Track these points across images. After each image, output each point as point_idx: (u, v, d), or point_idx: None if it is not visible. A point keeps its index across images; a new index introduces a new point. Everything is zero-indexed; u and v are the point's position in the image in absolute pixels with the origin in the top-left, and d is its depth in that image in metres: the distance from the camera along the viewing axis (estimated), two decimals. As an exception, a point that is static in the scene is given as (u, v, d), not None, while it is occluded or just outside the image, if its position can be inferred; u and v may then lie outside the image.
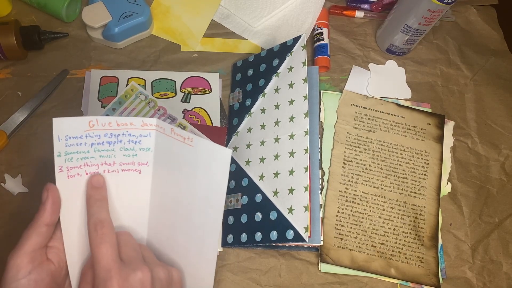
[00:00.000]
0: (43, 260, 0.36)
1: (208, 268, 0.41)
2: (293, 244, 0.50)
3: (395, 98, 0.62)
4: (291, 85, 0.53)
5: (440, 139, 0.60)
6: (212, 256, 0.40)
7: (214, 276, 0.41)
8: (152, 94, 0.58)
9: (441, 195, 0.57)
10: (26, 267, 0.34)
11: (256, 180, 0.52)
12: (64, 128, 0.36)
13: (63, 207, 0.37)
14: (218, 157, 0.37)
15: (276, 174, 0.50)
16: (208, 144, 0.37)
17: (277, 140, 0.52)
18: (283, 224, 0.48)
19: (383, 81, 0.63)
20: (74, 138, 0.36)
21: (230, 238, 0.51)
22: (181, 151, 0.38)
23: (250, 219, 0.50)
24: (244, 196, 0.52)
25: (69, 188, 0.37)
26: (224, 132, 0.57)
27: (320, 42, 0.63)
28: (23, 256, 0.34)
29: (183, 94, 0.58)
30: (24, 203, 0.51)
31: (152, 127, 0.39)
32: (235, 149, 0.55)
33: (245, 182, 0.52)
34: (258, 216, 0.50)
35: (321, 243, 0.50)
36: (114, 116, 0.38)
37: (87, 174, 0.38)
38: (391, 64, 0.65)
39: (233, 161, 0.55)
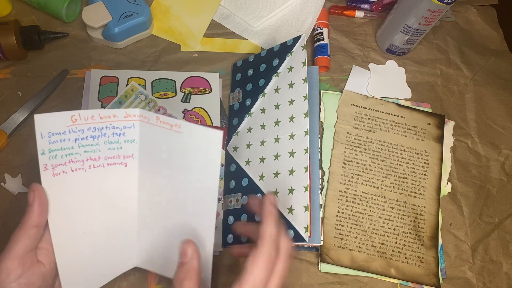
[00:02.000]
0: (33, 262, 0.35)
1: (205, 258, 0.40)
2: (293, 244, 0.50)
3: (395, 98, 0.62)
4: (291, 85, 0.53)
5: (440, 139, 0.60)
6: (210, 240, 0.39)
7: (211, 266, 0.39)
8: (152, 94, 0.58)
9: (441, 195, 0.57)
10: (16, 271, 0.34)
11: (256, 180, 0.52)
12: (46, 124, 0.35)
13: (50, 206, 0.36)
14: (209, 139, 0.36)
15: (276, 174, 0.50)
16: (197, 127, 0.36)
17: (277, 140, 0.52)
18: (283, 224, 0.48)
19: (383, 81, 0.63)
20: (57, 134, 0.36)
21: (230, 238, 0.51)
22: (169, 138, 0.37)
23: (250, 219, 0.50)
24: (244, 196, 0.52)
25: (55, 187, 0.37)
26: (224, 132, 0.57)
27: (320, 42, 0.63)
28: (13, 260, 0.34)
29: (183, 94, 0.58)
30: (24, 203, 0.50)
31: (135, 118, 0.38)
32: (235, 149, 0.55)
33: (245, 182, 0.52)
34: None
35: (321, 243, 0.50)
36: (96, 109, 0.37)
37: (72, 171, 0.37)
38: (391, 64, 0.65)
39: (233, 161, 0.55)
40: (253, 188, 0.51)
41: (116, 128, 0.38)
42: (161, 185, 0.40)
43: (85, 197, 0.39)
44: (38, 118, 0.35)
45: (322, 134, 0.58)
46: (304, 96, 0.51)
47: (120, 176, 0.40)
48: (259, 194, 0.51)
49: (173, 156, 0.38)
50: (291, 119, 0.51)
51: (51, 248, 0.37)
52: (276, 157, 0.51)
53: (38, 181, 0.36)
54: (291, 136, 0.51)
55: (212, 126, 0.57)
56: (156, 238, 0.41)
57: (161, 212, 0.40)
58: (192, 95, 0.59)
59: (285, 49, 0.55)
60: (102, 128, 0.37)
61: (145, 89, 0.58)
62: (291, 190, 0.48)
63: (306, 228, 0.46)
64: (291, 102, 0.52)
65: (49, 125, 0.35)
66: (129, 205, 0.41)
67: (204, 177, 0.37)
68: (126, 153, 0.39)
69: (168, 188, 0.39)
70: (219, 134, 0.35)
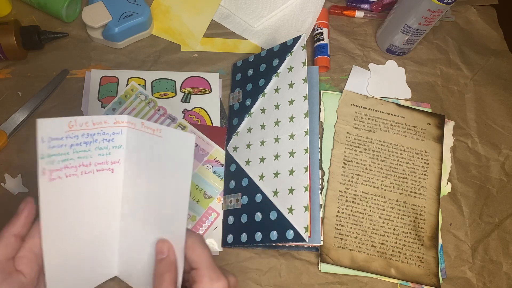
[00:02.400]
0: (11, 271, 0.35)
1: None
2: (293, 244, 0.50)
3: (395, 98, 0.62)
4: (291, 85, 0.53)
5: (440, 139, 0.60)
6: (180, 247, 0.38)
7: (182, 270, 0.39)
8: (152, 94, 0.58)
9: (441, 195, 0.57)
10: None
11: (256, 180, 0.52)
12: (47, 129, 0.35)
13: (45, 211, 0.36)
14: (183, 143, 0.36)
15: (276, 174, 0.50)
16: (172, 131, 0.37)
17: (277, 140, 0.52)
18: (283, 224, 0.48)
19: (383, 81, 0.63)
20: (56, 139, 0.36)
21: (230, 238, 0.51)
22: (152, 143, 0.38)
23: (250, 219, 0.50)
24: (244, 196, 0.52)
25: (51, 191, 0.37)
26: (224, 132, 0.57)
27: (320, 42, 0.63)
28: None
29: (183, 94, 0.58)
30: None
31: (123, 124, 0.39)
32: (235, 149, 0.55)
33: (245, 182, 0.52)
34: (258, 216, 0.50)
35: (321, 243, 0.50)
36: (90, 116, 0.37)
37: (66, 176, 0.37)
38: (391, 64, 0.65)
39: (233, 161, 0.55)
40: (253, 188, 0.51)
41: (106, 134, 0.38)
42: (143, 191, 0.40)
43: (76, 203, 0.39)
44: (41, 123, 0.35)
45: (322, 134, 0.58)
46: (304, 96, 0.51)
47: (106, 182, 0.40)
48: (258, 194, 0.51)
49: (155, 161, 0.38)
50: (291, 119, 0.51)
51: (33, 257, 0.36)
52: (276, 157, 0.51)
53: (36, 183, 0.36)
54: (291, 136, 0.51)
55: (214, 126, 0.57)
56: (136, 246, 0.41)
57: (142, 216, 0.40)
58: (192, 95, 0.59)
59: (285, 49, 0.55)
60: (94, 134, 0.38)
61: (145, 89, 0.58)
62: (291, 190, 0.48)
63: (306, 228, 0.46)
64: (291, 102, 0.52)
65: (50, 130, 0.36)
66: (114, 211, 0.41)
67: (177, 181, 0.37)
68: (113, 159, 0.40)
69: (149, 193, 0.40)
70: (192, 137, 0.36)
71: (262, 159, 0.52)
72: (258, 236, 0.49)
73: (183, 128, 0.56)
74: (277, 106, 0.53)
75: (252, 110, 0.56)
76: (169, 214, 0.39)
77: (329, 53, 0.62)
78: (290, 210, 0.48)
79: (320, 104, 0.60)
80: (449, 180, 0.59)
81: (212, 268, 0.37)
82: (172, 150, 0.37)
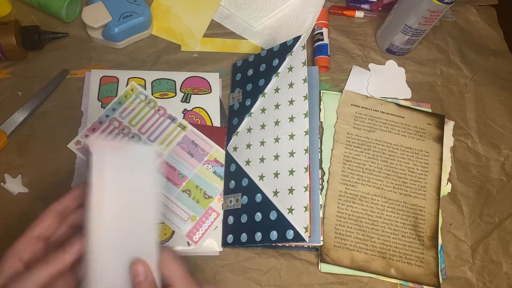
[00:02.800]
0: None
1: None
2: (293, 244, 0.50)
3: (395, 98, 0.62)
4: (291, 85, 0.53)
5: (440, 139, 0.60)
6: (156, 273, 0.38)
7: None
8: (152, 94, 0.58)
9: (441, 195, 0.57)
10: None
11: (256, 180, 0.52)
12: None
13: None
14: (145, 157, 0.37)
15: (276, 174, 0.50)
16: (135, 147, 0.37)
17: (277, 140, 0.52)
18: (283, 224, 0.48)
19: (383, 81, 0.63)
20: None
21: (230, 238, 0.51)
22: (117, 162, 0.38)
23: (250, 219, 0.50)
24: (244, 196, 0.52)
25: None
26: (224, 132, 0.57)
27: (320, 42, 0.63)
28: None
29: (183, 94, 0.58)
30: (24, 203, 0.51)
31: (91, 148, 0.39)
32: (235, 149, 0.55)
33: (245, 182, 0.52)
34: (258, 216, 0.50)
35: (321, 243, 0.50)
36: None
37: None
38: (391, 64, 0.65)
39: (233, 161, 0.55)
40: (253, 188, 0.51)
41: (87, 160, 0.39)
42: (112, 212, 0.39)
43: None
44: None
45: (322, 134, 0.58)
46: (304, 96, 0.51)
47: (86, 207, 0.40)
48: (258, 195, 0.51)
49: (121, 179, 0.38)
50: (291, 119, 0.51)
51: None
52: (276, 157, 0.51)
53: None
54: (291, 136, 0.51)
55: (214, 126, 0.57)
56: (108, 270, 0.39)
57: (112, 241, 0.39)
58: (192, 95, 0.59)
59: (285, 49, 0.55)
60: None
61: (145, 89, 0.58)
62: (291, 190, 0.48)
63: (306, 228, 0.46)
64: (291, 102, 0.52)
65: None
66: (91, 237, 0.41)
67: (143, 196, 0.37)
68: (89, 184, 0.40)
69: (118, 213, 0.38)
70: (150, 149, 0.35)
71: (262, 159, 0.52)
72: (258, 236, 0.49)
73: (183, 128, 0.56)
74: (277, 106, 0.53)
75: (252, 110, 0.56)
76: (139, 232, 0.38)
77: (329, 53, 0.62)
78: (290, 210, 0.48)
79: (320, 104, 0.60)
80: (449, 180, 0.59)
81: (187, 282, 0.36)
82: (136, 166, 0.37)
